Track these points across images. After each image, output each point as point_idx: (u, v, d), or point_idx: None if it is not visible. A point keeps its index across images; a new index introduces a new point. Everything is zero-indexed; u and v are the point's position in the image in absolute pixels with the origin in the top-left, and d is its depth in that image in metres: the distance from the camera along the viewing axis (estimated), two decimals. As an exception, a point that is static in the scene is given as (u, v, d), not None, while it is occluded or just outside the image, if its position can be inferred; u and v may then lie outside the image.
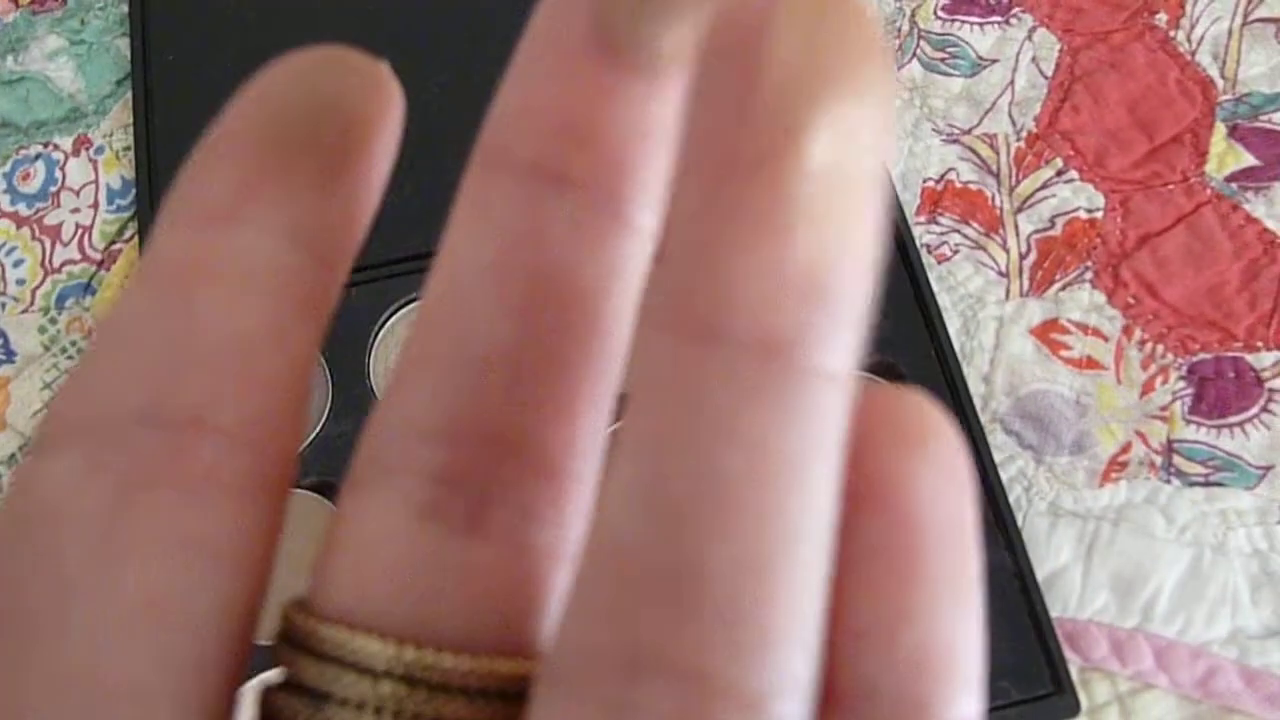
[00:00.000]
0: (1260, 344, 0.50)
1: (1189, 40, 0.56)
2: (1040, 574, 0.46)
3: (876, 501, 0.14)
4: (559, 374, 0.16)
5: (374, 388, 0.50)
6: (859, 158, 0.13)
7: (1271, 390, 0.49)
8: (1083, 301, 0.51)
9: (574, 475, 0.16)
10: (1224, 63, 0.55)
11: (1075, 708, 0.44)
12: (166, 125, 0.56)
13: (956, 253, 0.52)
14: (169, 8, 0.59)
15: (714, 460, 0.13)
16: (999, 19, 0.57)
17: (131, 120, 0.56)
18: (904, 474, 0.14)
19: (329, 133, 0.17)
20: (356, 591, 0.15)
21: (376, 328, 0.51)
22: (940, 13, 0.57)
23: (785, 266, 0.13)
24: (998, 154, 0.54)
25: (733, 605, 0.13)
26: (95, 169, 0.57)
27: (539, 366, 0.16)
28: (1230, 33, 0.56)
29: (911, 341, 0.49)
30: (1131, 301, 0.51)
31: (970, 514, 0.15)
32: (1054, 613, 0.46)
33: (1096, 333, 0.50)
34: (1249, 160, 0.53)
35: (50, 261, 0.55)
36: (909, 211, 0.53)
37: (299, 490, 0.48)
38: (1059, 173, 0.53)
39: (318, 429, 0.49)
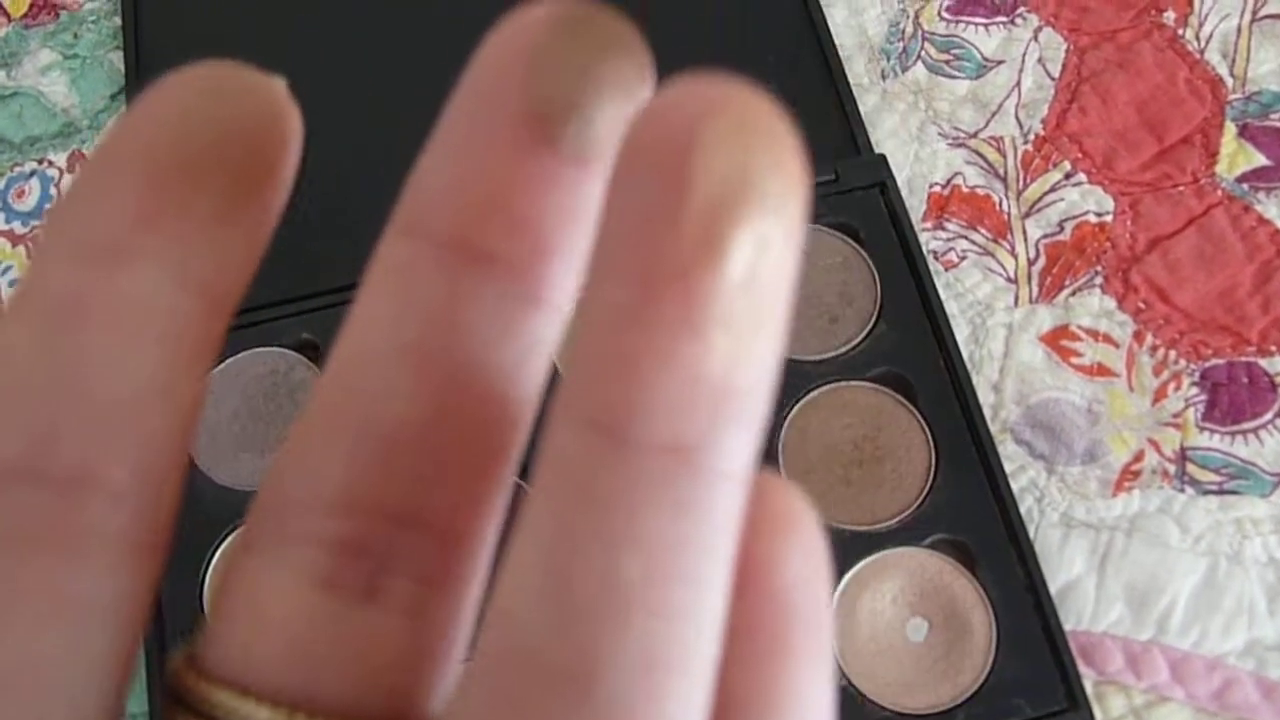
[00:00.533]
0: (1274, 348, 0.49)
1: (1198, 38, 0.55)
2: (1054, 586, 0.46)
3: (750, 585, 0.15)
4: (467, 452, 0.16)
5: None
6: (774, 268, 0.14)
7: (1286, 395, 0.48)
8: (1093, 307, 0.50)
9: (473, 547, 0.16)
10: (1233, 61, 0.54)
11: (1090, 722, 0.43)
12: None
13: (964, 259, 0.51)
14: (162, 20, 0.58)
15: (615, 560, 0.13)
16: (1004, 19, 0.56)
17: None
18: (775, 559, 0.15)
19: (234, 159, 0.16)
20: (248, 656, 0.15)
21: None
22: (945, 14, 0.56)
23: (700, 375, 0.13)
24: (1005, 157, 0.53)
25: (626, 701, 0.13)
26: (90, 185, 0.56)
27: (447, 444, 0.16)
28: (1239, 30, 0.55)
29: (920, 352, 0.48)
30: (1142, 306, 0.50)
31: (826, 593, 0.16)
32: (1068, 626, 0.45)
33: (1107, 339, 0.50)
34: (1260, 160, 0.52)
35: (46, 280, 0.54)
36: (915, 218, 0.52)
37: None
38: (1067, 175, 0.53)
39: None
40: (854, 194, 0.51)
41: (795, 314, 0.49)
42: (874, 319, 0.49)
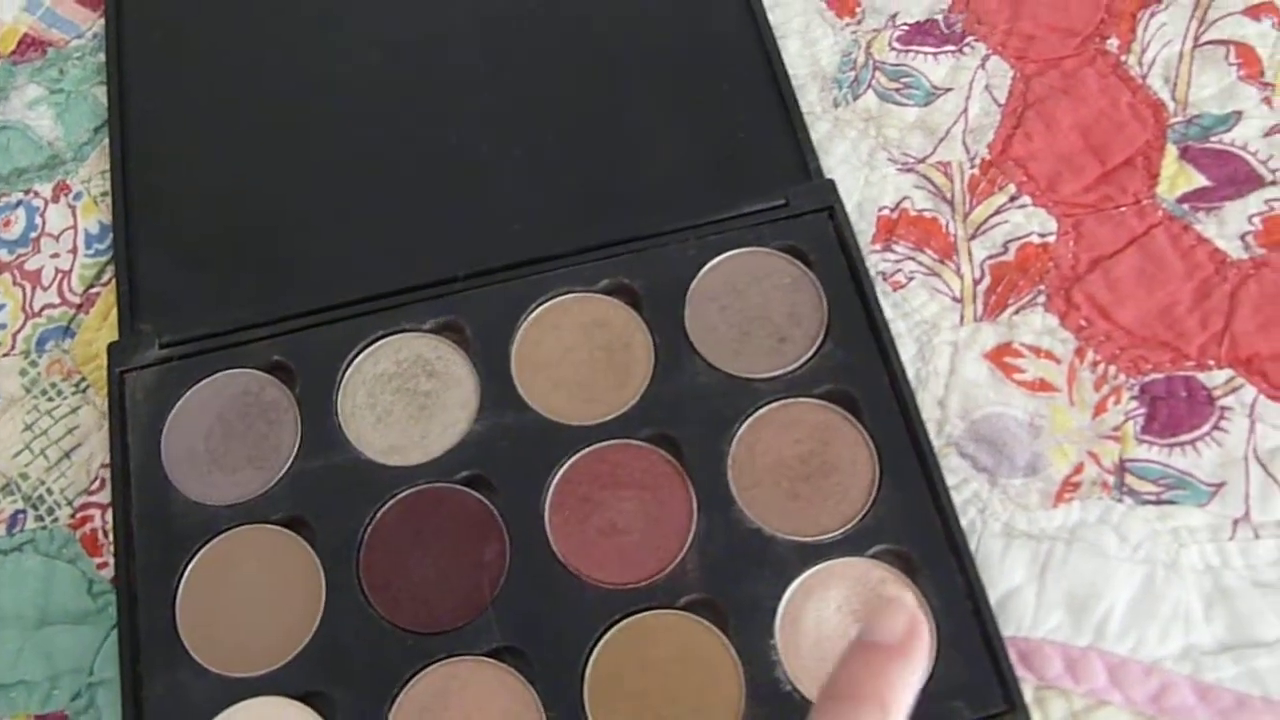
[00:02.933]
0: (1212, 362, 0.50)
1: (1140, 64, 0.57)
2: (994, 595, 0.47)
3: None
4: None
5: (341, 424, 0.51)
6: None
7: (1223, 408, 0.50)
8: (1035, 325, 0.52)
9: None
10: (1175, 85, 0.56)
11: (1028, 726, 0.45)
12: (143, 170, 0.57)
13: (912, 279, 0.53)
14: (145, 57, 0.60)
15: None
16: (952, 48, 0.58)
17: (109, 166, 0.57)
18: None
19: None
20: None
21: (344, 365, 0.52)
22: (895, 44, 0.58)
23: None
24: (952, 181, 0.55)
25: None
26: (74, 214, 0.58)
27: None
28: (1181, 55, 0.57)
29: (866, 370, 0.50)
30: (1084, 324, 0.52)
31: None
32: (1008, 632, 0.47)
33: (1049, 355, 0.51)
34: (1200, 181, 0.54)
35: (31, 306, 0.57)
36: (864, 241, 0.54)
37: (270, 525, 0.49)
38: (1012, 198, 0.54)
39: (288, 465, 0.50)
40: (803, 218, 0.53)
41: (746, 334, 0.52)
42: (821, 338, 0.51)
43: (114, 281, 0.55)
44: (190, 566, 0.49)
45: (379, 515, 0.50)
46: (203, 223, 0.56)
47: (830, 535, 0.48)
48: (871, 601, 0.47)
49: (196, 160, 0.58)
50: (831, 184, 0.54)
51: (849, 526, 0.48)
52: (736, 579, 0.47)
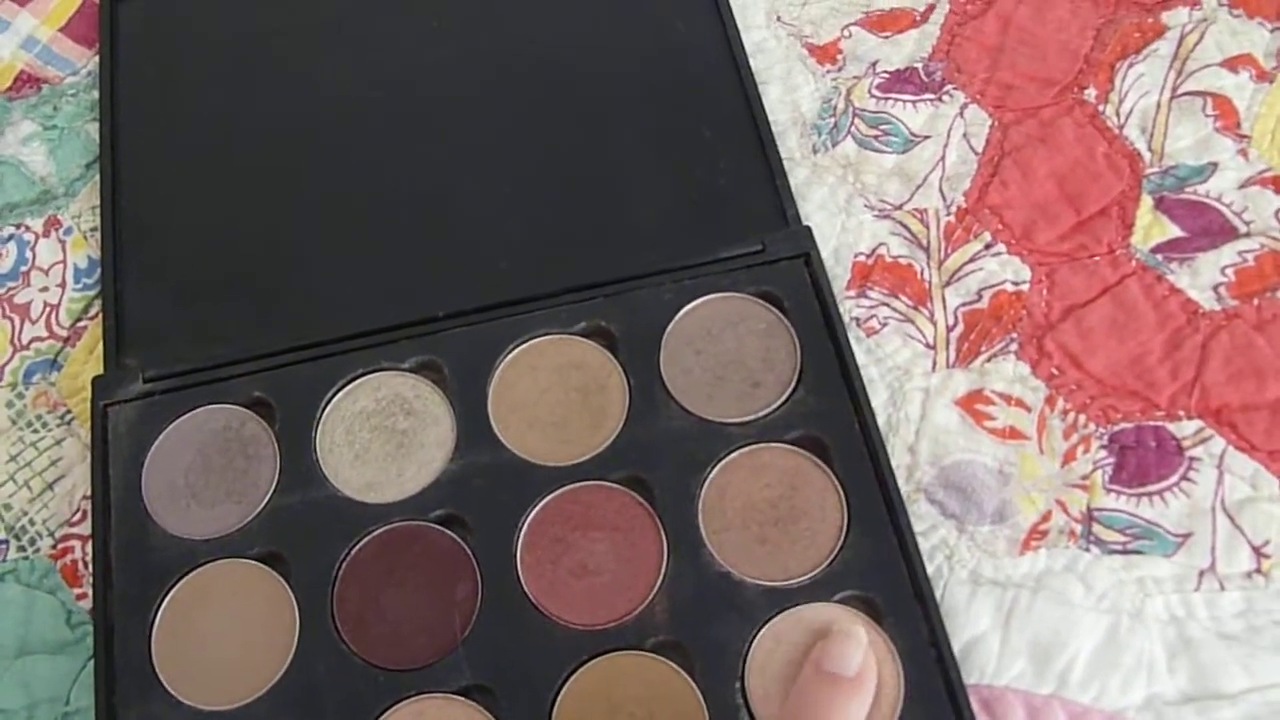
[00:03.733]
0: (1182, 413, 0.51)
1: (1118, 114, 0.57)
2: (959, 642, 0.48)
3: None
4: None
5: (320, 461, 0.52)
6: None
7: (1192, 458, 0.50)
8: (1007, 373, 0.52)
9: None
10: (1151, 135, 0.57)
11: (988, 774, 0.45)
12: (132, 206, 0.58)
13: (885, 325, 0.54)
14: (138, 93, 0.61)
15: None
16: (931, 96, 0.59)
17: (99, 201, 0.58)
18: None
19: None
20: None
21: (323, 402, 0.53)
22: (875, 91, 0.59)
23: None
24: (928, 228, 0.56)
25: None
26: (64, 249, 0.59)
27: None
28: (1159, 106, 0.57)
29: (837, 416, 0.51)
30: (1055, 372, 0.52)
31: None
32: (971, 680, 0.47)
33: (1020, 403, 0.52)
34: (1175, 231, 0.55)
35: (19, 339, 0.57)
36: (839, 286, 0.55)
37: (247, 560, 0.50)
38: (987, 246, 0.55)
39: (266, 500, 0.51)
40: (779, 264, 0.54)
41: (720, 378, 0.52)
42: (794, 384, 0.52)
43: (100, 315, 0.56)
44: (167, 599, 0.50)
45: (354, 551, 0.50)
46: (190, 259, 0.57)
47: (798, 580, 0.48)
48: (833, 626, 0.47)
49: (185, 196, 0.59)
50: (808, 230, 0.54)
51: (817, 572, 0.48)
52: (705, 622, 0.48)
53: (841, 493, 0.50)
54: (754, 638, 0.47)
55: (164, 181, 0.59)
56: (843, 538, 0.49)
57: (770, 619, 0.48)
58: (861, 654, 0.37)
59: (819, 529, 0.49)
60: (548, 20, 0.62)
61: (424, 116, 0.60)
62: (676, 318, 0.53)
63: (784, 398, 0.51)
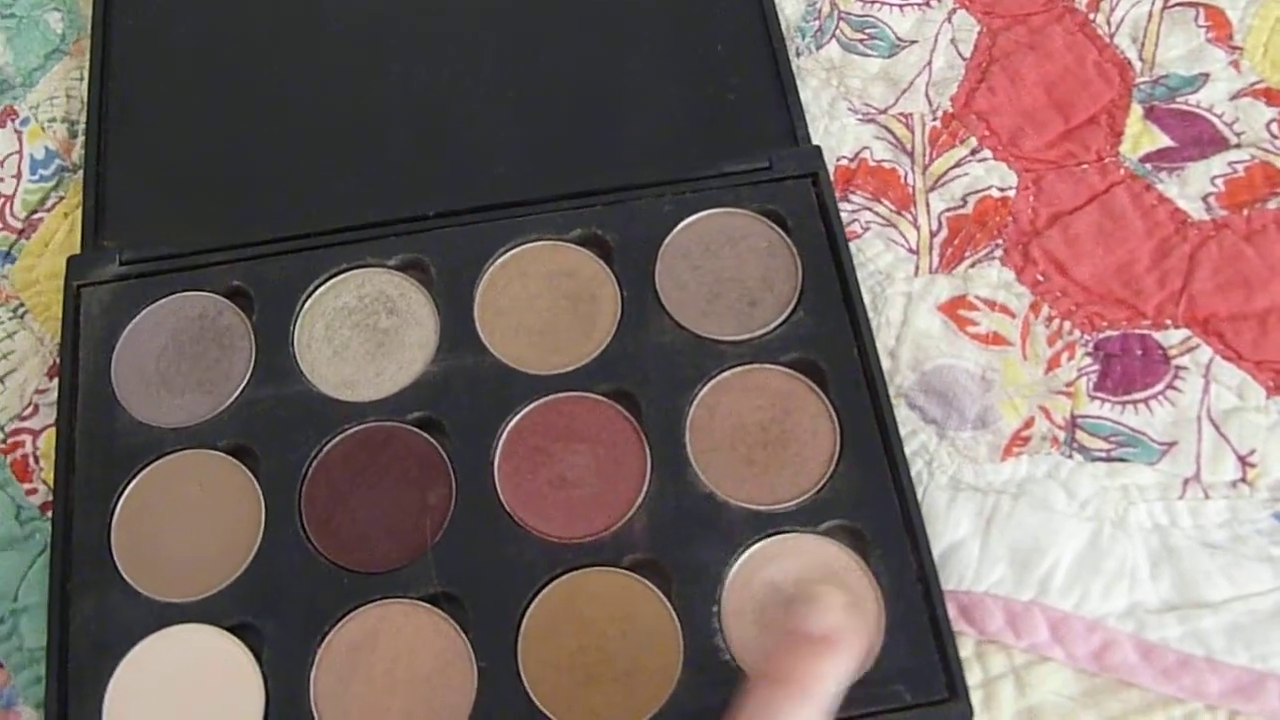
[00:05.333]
0: (1169, 322, 0.50)
1: (1108, 23, 0.56)
2: (938, 548, 0.47)
3: None
4: None
5: (296, 356, 0.50)
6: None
7: (1178, 367, 0.49)
8: (991, 278, 0.51)
9: None
10: (1142, 45, 0.55)
11: (969, 715, 0.44)
12: (119, 88, 0.57)
13: (868, 229, 0.53)
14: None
15: None
16: (919, 1, 0.57)
17: (59, 93, 0.57)
18: None
19: None
20: None
21: (304, 296, 0.51)
22: (861, -6, 0.58)
23: None
24: (912, 133, 0.54)
25: None
26: (20, 140, 0.58)
27: None
28: (1150, 15, 0.56)
29: (836, 341, 0.49)
30: (1040, 279, 0.51)
31: None
32: (949, 585, 0.46)
33: (1004, 309, 0.51)
34: (1164, 141, 0.53)
35: (-28, 231, 0.56)
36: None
37: (214, 451, 0.49)
38: (973, 152, 0.54)
39: (238, 392, 0.50)
40: (785, 183, 0.52)
41: (716, 295, 0.51)
42: (793, 305, 0.50)
43: (58, 207, 0.54)
44: (130, 487, 0.48)
45: (325, 449, 0.49)
46: (175, 145, 0.55)
47: (784, 505, 0.47)
48: (805, 590, 0.46)
49: (174, 82, 0.57)
50: (818, 150, 0.53)
51: (804, 498, 0.47)
52: (684, 542, 0.46)
53: (835, 419, 0.48)
54: (734, 561, 0.46)
55: (154, 65, 0.58)
56: (834, 465, 0.47)
57: (753, 543, 0.46)
58: (832, 618, 0.37)
59: (809, 455, 0.48)
60: None
61: (428, 19, 0.58)
62: (675, 230, 0.52)
63: (782, 318, 0.50)
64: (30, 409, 0.52)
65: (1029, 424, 0.49)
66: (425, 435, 0.49)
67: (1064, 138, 0.54)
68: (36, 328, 0.53)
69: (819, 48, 0.57)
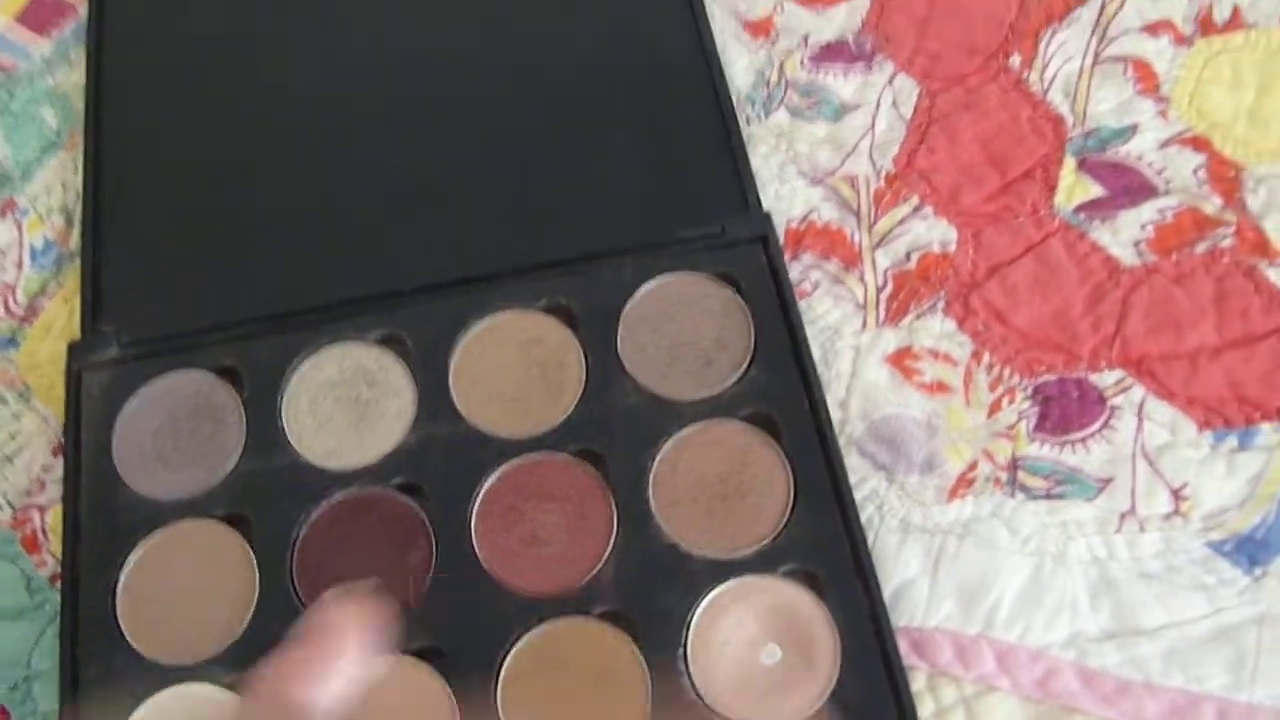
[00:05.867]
0: (1104, 363, 0.53)
1: (1042, 80, 0.59)
2: (889, 588, 0.50)
3: None
4: None
5: (285, 429, 0.54)
6: None
7: (1113, 407, 0.52)
8: (934, 329, 0.54)
9: None
10: (1074, 100, 0.59)
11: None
12: (112, 175, 0.60)
13: (817, 287, 0.56)
14: (123, 58, 0.64)
15: None
16: (862, 66, 0.61)
17: (55, 184, 0.61)
18: None
19: None
20: None
21: (289, 371, 0.55)
22: (807, 62, 0.61)
23: None
24: (858, 193, 0.58)
25: None
26: (20, 230, 0.61)
27: None
28: (1081, 71, 0.59)
29: (788, 395, 0.52)
30: (981, 328, 0.54)
31: None
32: (901, 623, 0.49)
33: (947, 358, 0.54)
34: (1097, 191, 0.57)
35: (-24, 319, 0.59)
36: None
37: (210, 520, 0.52)
38: (915, 209, 0.57)
39: (232, 465, 0.53)
40: (738, 247, 0.56)
41: (675, 357, 0.54)
42: (747, 363, 0.53)
43: (58, 293, 0.58)
44: (132, 557, 0.52)
45: (313, 516, 0.52)
46: (166, 230, 0.59)
47: (743, 553, 0.50)
48: (782, 617, 0.49)
49: (162, 170, 0.61)
50: (768, 216, 0.56)
51: (762, 545, 0.50)
52: (650, 592, 0.50)
53: (789, 469, 0.51)
54: (697, 607, 0.49)
55: (142, 157, 0.61)
56: (788, 513, 0.51)
57: (714, 589, 0.49)
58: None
59: (766, 504, 0.51)
60: (512, 2, 0.64)
61: (394, 96, 0.61)
62: (635, 296, 0.55)
63: (736, 376, 0.53)
64: (38, 486, 0.55)
65: (973, 467, 0.52)
66: (405, 498, 0.52)
67: (1001, 192, 0.57)
68: (41, 408, 0.57)
69: (768, 115, 0.60)
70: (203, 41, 0.64)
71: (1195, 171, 0.56)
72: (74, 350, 0.56)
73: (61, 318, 0.59)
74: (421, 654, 0.49)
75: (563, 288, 0.55)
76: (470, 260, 0.56)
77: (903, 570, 0.50)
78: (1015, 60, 0.60)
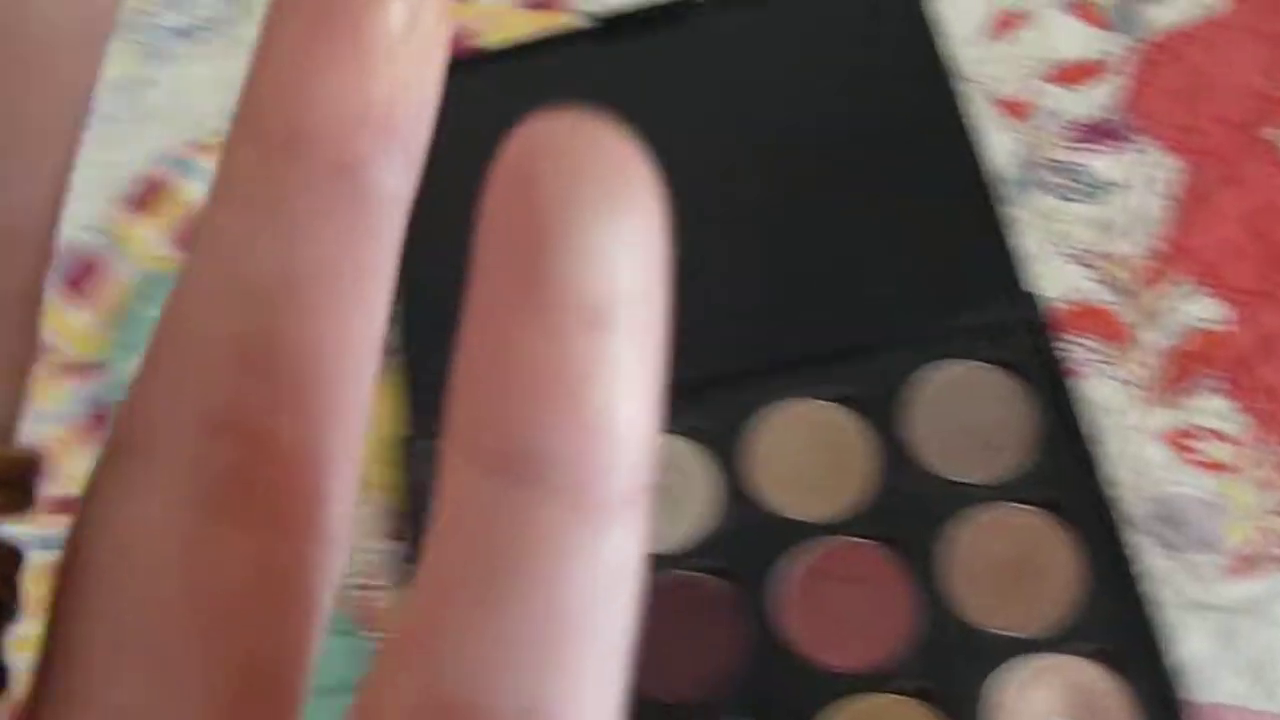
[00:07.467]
0: (1377, 440, 0.54)
1: (1301, 151, 0.60)
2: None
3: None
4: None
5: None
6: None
7: (1392, 482, 0.54)
8: (1209, 407, 0.56)
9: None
10: (1338, 170, 0.60)
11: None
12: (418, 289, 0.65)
13: (1087, 368, 0.58)
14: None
15: None
16: (1121, 142, 0.62)
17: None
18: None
19: None
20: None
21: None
22: (1065, 143, 0.63)
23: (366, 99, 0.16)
24: (1123, 272, 0.60)
25: None
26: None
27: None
28: (1343, 140, 0.60)
29: (1074, 479, 0.55)
30: (1259, 405, 0.56)
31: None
32: (1188, 698, 0.52)
33: (1224, 436, 0.56)
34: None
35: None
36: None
37: None
38: (1182, 286, 0.59)
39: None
40: (1012, 331, 0.58)
41: (959, 443, 0.57)
42: (1030, 447, 0.56)
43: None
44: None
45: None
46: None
47: (1039, 632, 0.53)
48: (1080, 695, 0.52)
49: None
50: (1039, 298, 0.58)
51: (1058, 624, 0.53)
52: (949, 667, 0.53)
53: (1078, 549, 0.54)
54: (998, 685, 0.52)
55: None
56: (1081, 593, 0.53)
57: (1014, 668, 0.52)
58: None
59: (1058, 584, 0.54)
60: (781, 91, 0.66)
61: (670, 187, 0.65)
62: (917, 384, 0.58)
63: (1020, 460, 0.56)
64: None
65: (1255, 544, 0.54)
66: (716, 580, 0.56)
67: (1271, 269, 0.58)
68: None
69: (1025, 194, 0.62)
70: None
71: None
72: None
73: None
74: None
75: (845, 376, 0.59)
76: (754, 351, 0.60)
77: (1187, 647, 0.53)
78: (1270, 133, 0.61)
